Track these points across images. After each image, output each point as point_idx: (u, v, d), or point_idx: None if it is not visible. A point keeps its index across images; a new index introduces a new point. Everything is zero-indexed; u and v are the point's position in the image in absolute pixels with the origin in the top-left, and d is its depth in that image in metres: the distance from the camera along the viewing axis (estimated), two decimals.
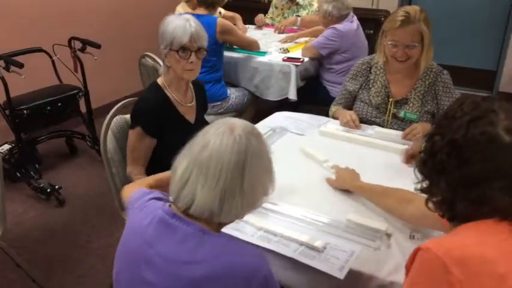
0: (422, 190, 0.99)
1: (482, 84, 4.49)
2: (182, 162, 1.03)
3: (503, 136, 0.86)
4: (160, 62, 2.69)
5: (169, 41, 1.76)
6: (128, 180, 2.00)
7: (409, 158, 1.76)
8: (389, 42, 1.98)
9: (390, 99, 2.10)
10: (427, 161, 0.95)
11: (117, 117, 1.96)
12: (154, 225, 1.04)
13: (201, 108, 2.02)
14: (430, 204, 0.99)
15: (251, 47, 3.18)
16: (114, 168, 1.94)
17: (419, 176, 0.99)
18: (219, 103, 3.00)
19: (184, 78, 1.86)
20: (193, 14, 2.92)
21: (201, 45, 1.79)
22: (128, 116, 1.97)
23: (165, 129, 1.82)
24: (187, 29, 1.75)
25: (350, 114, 2.11)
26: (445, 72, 2.07)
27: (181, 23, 1.77)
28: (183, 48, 1.76)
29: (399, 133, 1.99)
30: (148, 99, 1.84)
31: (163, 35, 1.78)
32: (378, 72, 2.14)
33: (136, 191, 1.19)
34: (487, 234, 0.88)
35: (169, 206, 1.08)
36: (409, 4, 4.57)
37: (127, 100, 2.02)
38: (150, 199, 1.13)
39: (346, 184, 1.56)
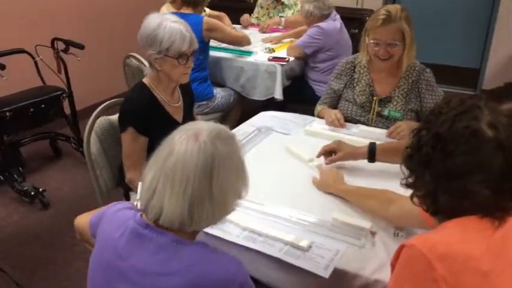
0: (408, 185, 1.00)
1: (466, 82, 4.55)
2: (149, 171, 1.01)
3: (486, 131, 0.88)
4: (146, 63, 2.68)
5: (165, 47, 1.72)
6: (112, 182, 1.99)
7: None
8: (372, 41, 1.99)
9: (374, 98, 2.11)
10: (413, 155, 0.96)
11: (101, 118, 1.94)
12: (126, 236, 1.02)
13: (188, 108, 2.02)
14: (415, 199, 1.00)
15: (240, 42, 3.16)
16: (98, 170, 1.92)
17: (406, 171, 1.00)
18: (205, 102, 2.99)
19: (180, 81, 1.87)
20: (178, 13, 2.92)
21: (195, 48, 1.80)
22: (112, 117, 1.96)
23: (153, 129, 1.80)
24: (185, 36, 1.74)
25: (335, 113, 2.12)
26: (428, 70, 2.09)
27: (177, 28, 1.73)
28: (181, 55, 1.75)
29: (384, 131, 2.00)
30: (134, 99, 1.83)
31: (155, 39, 1.72)
32: (361, 71, 2.15)
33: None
34: (472, 230, 0.89)
35: (141, 215, 1.05)
36: (393, 3, 4.61)
37: (111, 101, 2.00)
38: (120, 209, 1.10)
39: (330, 188, 1.56)
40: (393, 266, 0.94)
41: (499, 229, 0.90)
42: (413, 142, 0.97)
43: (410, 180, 0.99)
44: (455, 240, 0.87)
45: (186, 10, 2.92)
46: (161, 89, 1.85)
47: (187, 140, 0.98)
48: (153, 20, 1.76)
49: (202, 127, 1.02)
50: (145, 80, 1.86)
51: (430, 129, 0.93)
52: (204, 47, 2.94)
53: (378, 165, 1.70)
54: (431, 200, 0.95)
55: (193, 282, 0.96)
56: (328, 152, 1.73)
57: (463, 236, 0.88)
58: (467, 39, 4.49)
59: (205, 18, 2.89)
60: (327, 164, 1.71)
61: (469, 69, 4.55)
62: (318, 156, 1.74)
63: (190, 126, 1.03)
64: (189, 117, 2.00)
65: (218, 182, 0.98)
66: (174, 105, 1.90)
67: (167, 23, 1.73)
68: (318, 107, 2.30)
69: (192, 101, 2.09)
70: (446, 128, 0.90)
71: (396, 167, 1.08)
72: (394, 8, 1.97)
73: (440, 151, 0.90)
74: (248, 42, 3.19)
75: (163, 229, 1.00)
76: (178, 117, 1.92)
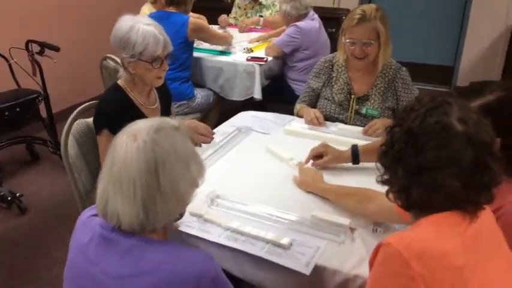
0: (383, 182, 1.01)
1: (441, 80, 4.64)
2: (101, 180, 1.01)
3: (456, 125, 0.90)
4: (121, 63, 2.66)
5: (139, 51, 1.70)
6: (91, 185, 1.97)
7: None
8: (348, 40, 2.03)
9: (352, 96, 2.14)
10: (387, 152, 0.98)
11: (78, 121, 1.91)
12: (95, 242, 1.02)
13: (165, 109, 2.01)
14: (390, 195, 1.01)
15: (225, 41, 3.24)
16: (77, 173, 1.90)
17: (381, 168, 1.02)
18: (185, 102, 2.98)
19: (154, 85, 1.85)
20: (162, 12, 2.91)
21: (170, 50, 1.78)
22: (90, 120, 1.93)
23: None
24: (159, 39, 1.71)
25: (314, 112, 2.14)
26: (404, 69, 2.13)
27: (150, 31, 1.70)
28: (155, 58, 1.73)
29: (361, 129, 2.03)
30: (109, 101, 1.81)
31: (128, 42, 1.70)
32: (339, 69, 2.18)
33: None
34: (446, 227, 0.91)
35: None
36: (369, 2, 4.68)
37: (88, 103, 1.97)
38: (90, 216, 1.10)
39: (310, 187, 1.58)
40: (371, 264, 0.95)
41: (471, 224, 0.92)
42: (387, 139, 0.99)
43: (385, 176, 1.01)
44: (431, 238, 0.89)
45: (169, 9, 2.91)
46: (136, 91, 1.84)
47: (126, 143, 0.98)
48: (125, 23, 1.72)
49: (141, 126, 1.02)
50: (119, 82, 1.84)
51: (403, 126, 0.95)
52: (188, 46, 2.95)
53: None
54: (405, 195, 0.97)
55: (165, 280, 0.96)
56: (316, 156, 1.73)
57: (438, 233, 0.90)
58: (441, 38, 4.58)
59: (192, 19, 2.91)
60: (315, 166, 1.73)
61: (443, 67, 4.65)
62: (307, 161, 1.74)
63: (130, 127, 1.02)
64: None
65: (166, 177, 0.97)
66: (150, 107, 1.89)
67: (140, 25, 1.70)
68: (297, 106, 2.32)
69: (168, 101, 2.08)
70: (417, 123, 0.92)
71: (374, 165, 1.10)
72: (370, 7, 2.01)
73: (412, 146, 0.92)
74: (229, 42, 3.27)
75: (130, 231, 1.01)
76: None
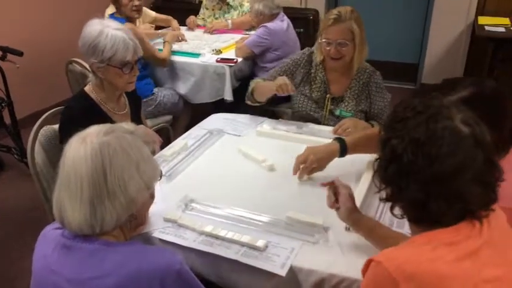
0: (387, 199, 0.97)
1: (406, 77, 4.75)
2: (56, 186, 1.02)
3: (462, 128, 0.87)
4: (89, 68, 2.60)
5: (108, 57, 1.67)
6: None
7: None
8: (323, 41, 2.06)
9: (328, 96, 2.18)
10: (388, 166, 0.92)
11: (45, 127, 1.87)
12: (57, 252, 1.02)
13: (135, 114, 1.98)
14: (396, 211, 0.96)
15: (156, 62, 3.08)
16: (45, 181, 1.85)
17: (380, 184, 0.97)
18: (144, 100, 2.91)
19: (126, 90, 1.83)
20: (112, 16, 2.85)
21: (140, 55, 1.77)
22: (57, 126, 1.89)
23: None
24: (128, 44, 1.69)
25: (283, 78, 2.04)
26: (378, 73, 2.18)
27: (120, 36, 1.68)
28: (125, 64, 1.71)
29: (332, 129, 2.06)
30: (75, 108, 1.77)
31: (97, 47, 1.67)
32: (317, 68, 2.21)
33: None
34: (443, 246, 0.87)
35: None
36: (335, 2, 4.75)
37: (54, 109, 1.93)
38: (50, 230, 1.10)
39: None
40: (363, 274, 0.94)
41: (481, 234, 0.89)
42: (386, 153, 0.93)
43: (388, 191, 0.96)
44: (425, 259, 0.86)
45: (110, 9, 2.87)
46: (105, 96, 1.81)
47: (75, 146, 1.00)
48: (93, 28, 1.69)
49: (91, 130, 1.03)
50: (87, 89, 1.81)
51: (403, 137, 0.90)
52: None
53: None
54: (420, 209, 0.91)
55: (130, 278, 0.96)
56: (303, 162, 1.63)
57: (433, 254, 0.86)
58: (406, 36, 4.70)
59: (127, 25, 2.69)
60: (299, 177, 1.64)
61: (408, 65, 4.76)
62: (295, 171, 1.64)
63: (81, 132, 1.04)
64: (137, 123, 1.97)
65: (113, 177, 0.98)
66: (119, 113, 1.86)
67: (109, 30, 1.68)
68: (252, 83, 2.25)
69: (138, 105, 2.05)
70: (422, 132, 0.88)
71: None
72: (345, 9, 2.05)
73: (424, 156, 0.87)
74: (164, 66, 3.11)
75: (91, 236, 1.01)
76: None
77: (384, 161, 0.94)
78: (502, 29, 3.76)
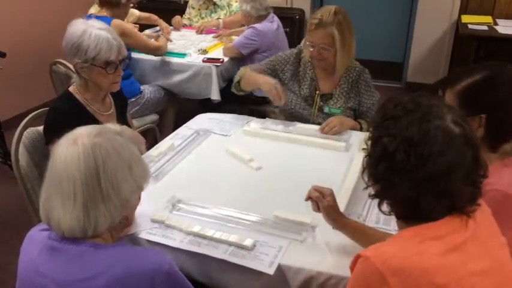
0: (376, 195, 0.98)
1: (392, 76, 4.79)
2: (43, 188, 1.01)
3: (453, 128, 0.89)
4: (73, 69, 2.57)
5: (92, 56, 1.66)
6: None
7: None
8: (308, 43, 2.08)
9: (317, 92, 2.18)
10: (379, 164, 0.93)
11: (29, 129, 1.84)
12: (44, 254, 1.01)
13: (121, 115, 1.97)
14: (384, 207, 0.97)
15: (153, 51, 3.05)
16: (29, 183, 1.82)
17: (368, 181, 0.98)
18: (133, 99, 2.88)
19: (110, 90, 1.81)
20: (96, 17, 2.82)
21: (124, 55, 1.76)
22: (41, 128, 1.87)
23: None
24: (112, 44, 1.68)
25: (275, 83, 2.04)
26: (367, 71, 2.19)
27: (103, 35, 1.67)
28: (109, 63, 1.69)
29: (319, 128, 2.07)
30: (60, 109, 1.74)
31: (80, 47, 1.65)
32: (306, 65, 2.22)
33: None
34: (430, 240, 0.88)
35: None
36: (321, 2, 4.76)
37: (39, 111, 1.91)
38: (36, 232, 1.08)
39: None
40: (352, 270, 0.95)
41: (467, 228, 0.90)
42: (376, 150, 0.94)
43: (377, 188, 0.97)
44: (412, 253, 0.87)
45: (101, 12, 2.81)
46: (90, 97, 1.79)
47: (66, 147, 0.99)
48: (77, 27, 1.68)
49: (82, 131, 1.02)
50: (71, 89, 1.79)
51: (395, 135, 0.90)
52: None
53: (315, 158, 1.75)
54: (410, 206, 0.92)
55: (119, 279, 0.96)
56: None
57: (419, 248, 0.88)
58: (391, 35, 4.73)
59: (115, 22, 2.73)
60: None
61: (394, 63, 4.80)
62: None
63: (71, 134, 1.03)
64: (123, 123, 1.95)
65: (107, 179, 0.97)
66: (105, 114, 1.85)
67: (92, 30, 1.67)
68: (241, 70, 2.24)
69: (124, 105, 2.03)
70: (415, 130, 0.89)
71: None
72: (328, 11, 2.02)
73: (416, 155, 0.88)
74: (161, 53, 3.08)
75: (79, 238, 1.00)
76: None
77: (374, 159, 0.95)
78: (485, 27, 3.82)
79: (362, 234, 1.26)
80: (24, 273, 1.05)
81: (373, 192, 0.98)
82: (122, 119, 1.97)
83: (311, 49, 2.07)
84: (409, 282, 0.85)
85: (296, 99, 2.23)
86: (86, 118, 1.76)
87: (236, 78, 2.26)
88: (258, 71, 2.22)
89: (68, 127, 1.68)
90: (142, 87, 2.99)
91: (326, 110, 2.18)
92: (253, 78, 2.15)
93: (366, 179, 0.99)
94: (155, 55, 3.10)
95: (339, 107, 2.16)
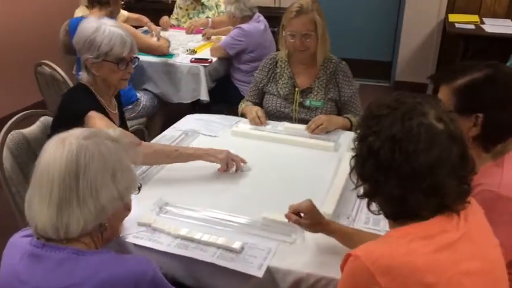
0: (365, 195, 0.98)
1: (380, 75, 4.81)
2: (29, 187, 1.00)
3: (436, 124, 0.89)
4: (59, 70, 2.54)
5: (104, 51, 1.67)
6: None
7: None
8: (288, 33, 2.08)
9: (296, 89, 2.19)
10: (365, 162, 0.94)
11: (13, 132, 1.81)
12: (25, 261, 0.99)
13: (121, 115, 1.98)
14: (373, 206, 0.98)
15: (155, 50, 3.06)
16: (14, 187, 1.79)
17: (356, 180, 0.98)
18: (130, 107, 2.88)
19: (118, 87, 1.82)
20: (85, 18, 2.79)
21: (136, 53, 1.78)
22: (26, 131, 1.85)
23: None
24: (126, 41, 1.70)
25: (256, 111, 2.15)
26: (344, 63, 2.21)
27: (117, 32, 1.69)
28: (121, 60, 1.70)
29: (306, 126, 2.06)
30: (81, 99, 1.73)
31: (93, 42, 1.67)
32: (283, 65, 2.23)
33: None
34: (418, 240, 0.89)
35: (38, 238, 1.01)
36: None
37: (24, 113, 1.88)
38: (18, 238, 1.06)
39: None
40: (342, 269, 0.95)
41: (459, 227, 0.90)
42: (362, 150, 0.95)
43: (366, 188, 0.97)
44: (401, 253, 0.87)
45: (93, 13, 2.78)
46: (98, 94, 1.79)
47: (54, 147, 0.98)
48: (90, 24, 1.70)
49: (73, 132, 1.02)
50: (84, 82, 1.78)
51: (379, 133, 0.91)
52: None
53: (305, 157, 1.74)
54: (398, 204, 0.93)
55: (101, 287, 0.94)
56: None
57: (409, 247, 0.88)
58: (378, 34, 4.75)
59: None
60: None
61: (382, 62, 4.82)
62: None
63: (62, 133, 1.02)
64: (124, 125, 1.96)
65: (86, 182, 0.96)
66: (113, 112, 1.86)
67: (106, 26, 1.69)
68: (243, 104, 2.34)
69: (122, 108, 2.04)
70: (398, 128, 0.89)
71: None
72: (306, 1, 2.08)
73: (401, 153, 0.88)
74: (163, 52, 3.09)
75: (63, 244, 0.98)
76: (117, 123, 1.87)
77: (360, 158, 0.96)
78: (472, 26, 3.84)
79: (349, 239, 1.25)
80: (5, 280, 1.03)
81: (361, 192, 0.98)
82: (123, 120, 1.99)
83: (292, 40, 2.07)
84: (399, 281, 0.85)
85: (276, 100, 2.23)
86: (102, 109, 1.75)
87: (239, 111, 2.33)
88: (250, 99, 2.32)
89: (88, 105, 1.66)
90: (138, 95, 2.97)
91: (307, 103, 2.18)
92: (244, 111, 2.25)
93: (354, 179, 0.99)
94: (157, 54, 3.09)
95: (320, 99, 2.17)
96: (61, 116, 1.76)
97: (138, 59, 1.81)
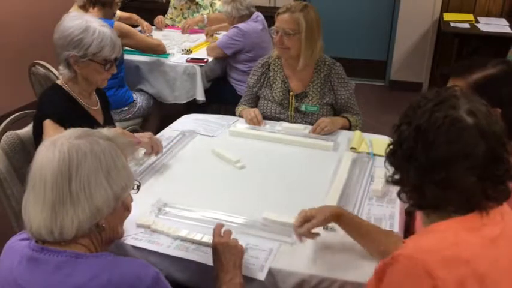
0: (394, 182, 0.99)
1: (376, 74, 4.81)
2: (26, 190, 0.99)
3: (465, 118, 0.88)
4: (53, 70, 2.51)
5: (93, 52, 1.66)
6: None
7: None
8: (273, 28, 2.09)
9: (290, 94, 2.16)
10: (396, 151, 0.96)
11: (7, 133, 1.79)
12: (23, 265, 0.97)
13: (106, 112, 1.95)
14: (403, 195, 0.98)
15: (154, 50, 3.04)
16: (9, 189, 1.76)
17: (390, 168, 0.99)
18: (126, 108, 2.85)
19: (99, 86, 1.81)
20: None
21: (119, 54, 1.78)
22: (20, 131, 1.82)
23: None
24: (115, 43, 1.71)
25: (253, 111, 2.14)
26: (338, 64, 2.18)
27: (107, 34, 1.68)
28: (108, 61, 1.70)
29: (305, 126, 2.06)
30: (54, 101, 1.71)
31: (82, 41, 1.65)
32: (276, 69, 2.20)
33: None
34: (464, 231, 0.88)
35: (36, 241, 0.99)
36: (305, 1, 4.75)
37: (18, 114, 1.85)
38: (15, 242, 1.04)
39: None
40: (382, 275, 0.91)
41: (493, 226, 0.90)
42: (395, 138, 0.97)
43: (396, 176, 0.98)
44: (450, 244, 0.87)
45: (93, 12, 2.76)
46: (77, 91, 1.77)
47: (46, 148, 0.97)
48: (77, 22, 1.68)
49: (66, 133, 1.01)
50: (59, 82, 1.77)
51: (411, 123, 0.93)
52: None
53: (303, 157, 1.72)
54: (418, 195, 0.94)
55: None
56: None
57: (457, 239, 0.87)
58: (374, 34, 4.75)
59: (116, 24, 2.75)
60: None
61: (377, 62, 4.82)
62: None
63: (55, 136, 1.01)
64: (109, 120, 1.93)
65: (78, 181, 0.94)
66: (93, 108, 1.84)
67: (95, 26, 1.68)
68: (239, 108, 2.32)
69: (108, 104, 2.01)
70: (425, 119, 0.90)
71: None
72: (299, 4, 2.08)
73: (422, 143, 0.90)
74: (163, 51, 3.07)
75: (62, 247, 0.96)
76: (99, 119, 1.85)
77: (393, 146, 0.98)
78: (467, 25, 3.85)
79: (357, 230, 1.24)
80: (3, 284, 1.00)
81: (390, 179, 0.99)
82: (108, 116, 1.96)
83: (275, 36, 2.07)
84: (455, 273, 0.83)
85: (271, 105, 2.21)
86: (78, 109, 1.75)
87: (237, 114, 2.31)
88: (246, 103, 2.30)
89: (63, 112, 1.65)
90: (134, 96, 2.95)
91: (302, 108, 2.16)
92: (241, 114, 2.23)
93: (388, 166, 0.99)
94: (156, 53, 3.06)
95: (315, 103, 2.15)
96: (36, 116, 1.75)
97: (119, 60, 1.81)
